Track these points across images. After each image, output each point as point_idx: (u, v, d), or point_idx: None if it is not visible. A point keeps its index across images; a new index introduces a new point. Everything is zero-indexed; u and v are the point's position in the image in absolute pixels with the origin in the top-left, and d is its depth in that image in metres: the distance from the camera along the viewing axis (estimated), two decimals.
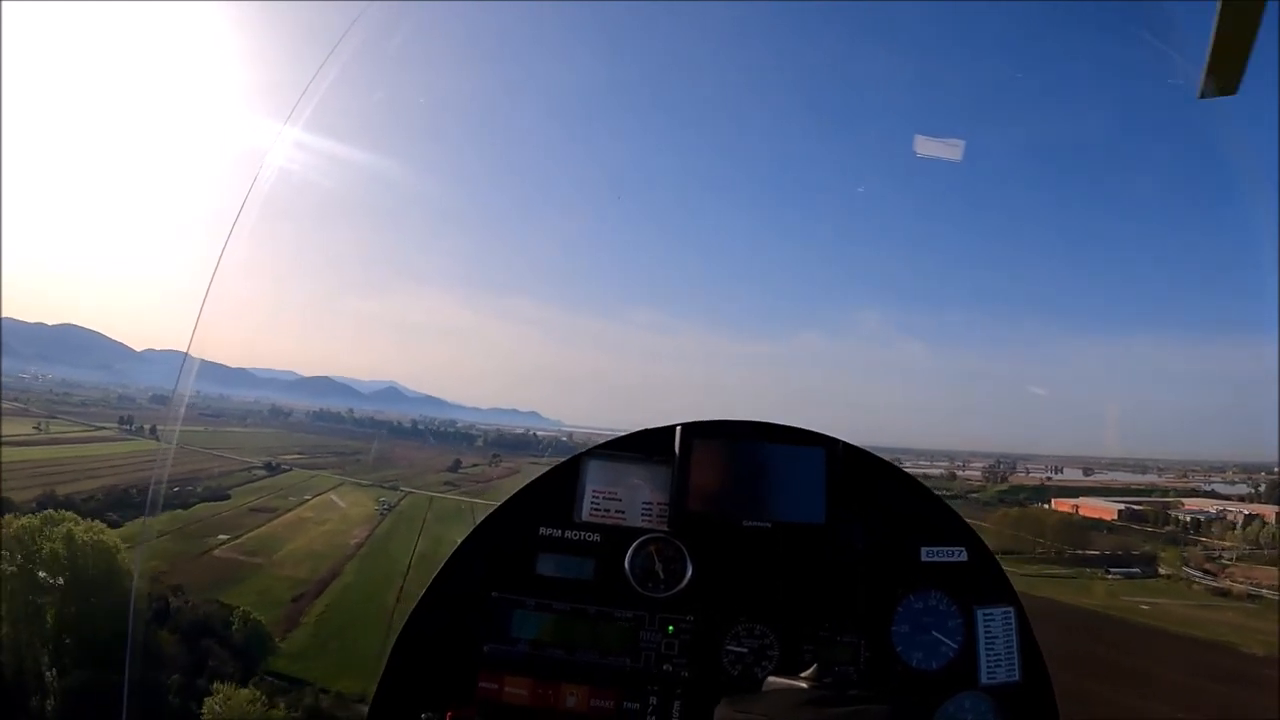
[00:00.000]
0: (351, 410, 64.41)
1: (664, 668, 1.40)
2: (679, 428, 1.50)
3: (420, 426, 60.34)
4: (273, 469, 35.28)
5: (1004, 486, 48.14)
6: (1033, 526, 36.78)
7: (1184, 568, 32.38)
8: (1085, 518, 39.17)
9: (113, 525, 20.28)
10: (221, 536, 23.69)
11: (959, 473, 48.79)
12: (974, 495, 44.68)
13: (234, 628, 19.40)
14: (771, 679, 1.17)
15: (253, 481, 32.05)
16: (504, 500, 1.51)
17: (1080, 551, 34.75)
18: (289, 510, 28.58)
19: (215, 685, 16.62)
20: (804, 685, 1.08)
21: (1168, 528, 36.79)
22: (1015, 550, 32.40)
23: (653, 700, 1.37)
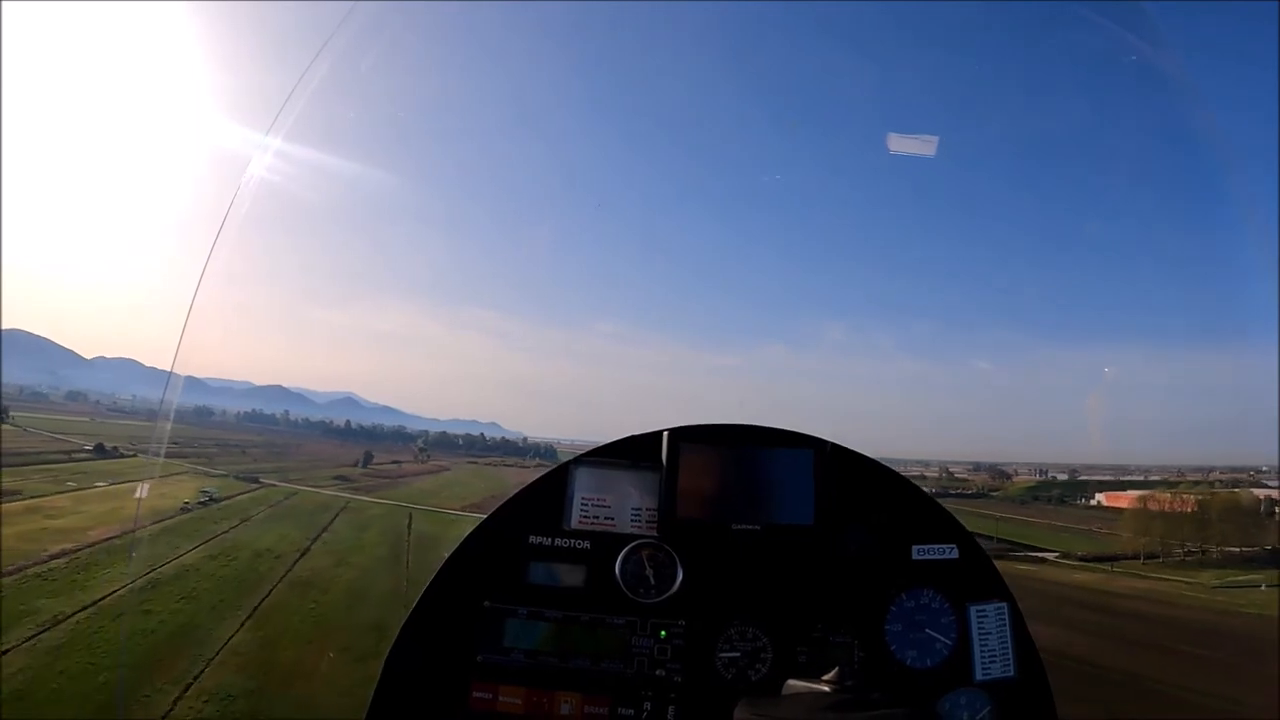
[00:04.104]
0: (286, 412, 58.94)
1: (657, 673, 1.41)
2: (666, 433, 1.51)
3: (355, 427, 54.31)
4: (105, 452, 29.33)
5: (1031, 482, 43.32)
6: (1181, 525, 30.80)
7: None
8: (1255, 508, 32.73)
9: None
10: None
11: (956, 475, 45.26)
12: (996, 494, 41.66)
13: None
14: (791, 682, 1.16)
15: (55, 463, 26.04)
16: (495, 509, 1.52)
17: (1236, 549, 28.63)
18: (43, 495, 22.20)
19: None
20: (826, 689, 1.09)
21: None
22: (1153, 554, 28.90)
23: (647, 705, 1.38)
